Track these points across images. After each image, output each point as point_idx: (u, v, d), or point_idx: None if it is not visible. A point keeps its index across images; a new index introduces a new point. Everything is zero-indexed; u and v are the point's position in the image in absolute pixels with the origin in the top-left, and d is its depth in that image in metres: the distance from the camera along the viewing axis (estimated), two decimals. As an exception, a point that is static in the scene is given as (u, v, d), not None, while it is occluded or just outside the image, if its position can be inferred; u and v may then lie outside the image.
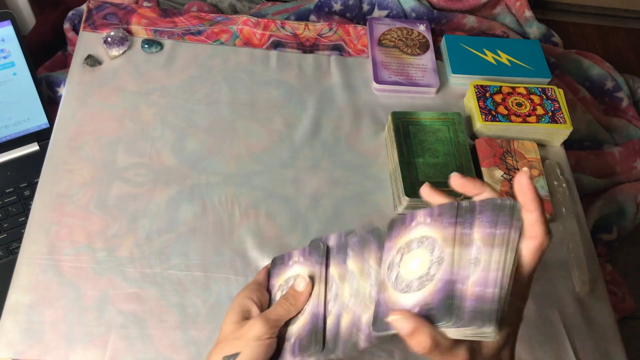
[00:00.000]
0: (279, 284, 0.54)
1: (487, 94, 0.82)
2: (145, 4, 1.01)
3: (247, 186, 0.75)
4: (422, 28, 0.92)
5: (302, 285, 0.51)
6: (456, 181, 0.44)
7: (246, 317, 0.50)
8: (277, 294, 0.53)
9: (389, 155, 0.79)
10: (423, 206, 0.72)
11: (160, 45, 0.86)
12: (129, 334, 0.63)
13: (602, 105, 1.29)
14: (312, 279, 0.51)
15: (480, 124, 0.79)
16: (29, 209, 0.71)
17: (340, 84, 0.86)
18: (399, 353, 0.65)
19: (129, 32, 0.87)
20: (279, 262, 0.55)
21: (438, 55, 0.92)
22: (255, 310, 0.51)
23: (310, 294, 0.51)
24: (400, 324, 0.38)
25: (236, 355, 0.48)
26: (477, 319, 0.36)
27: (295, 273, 0.53)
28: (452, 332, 0.37)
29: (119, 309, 0.64)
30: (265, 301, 0.53)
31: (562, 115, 0.81)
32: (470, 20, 1.28)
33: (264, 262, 0.68)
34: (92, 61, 0.82)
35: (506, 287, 0.37)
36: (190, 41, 0.88)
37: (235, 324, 0.50)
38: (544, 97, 0.82)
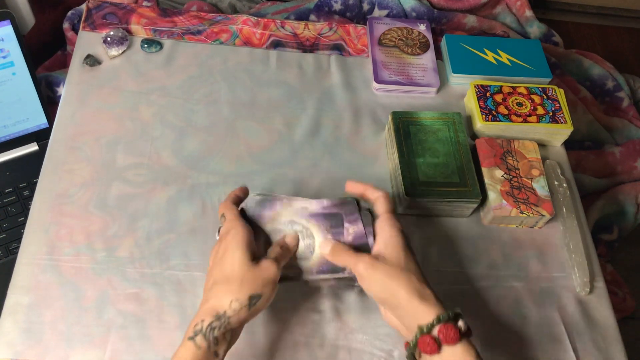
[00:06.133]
0: (288, 220, 0.60)
1: (488, 94, 0.82)
2: (144, 3, 1.00)
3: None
4: (422, 28, 0.92)
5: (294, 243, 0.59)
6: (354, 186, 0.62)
7: (255, 257, 0.55)
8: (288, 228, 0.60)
9: (389, 155, 0.79)
10: (424, 206, 0.72)
11: (160, 45, 0.86)
12: (129, 334, 0.63)
13: (602, 105, 1.29)
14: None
15: (480, 124, 0.79)
16: (28, 209, 0.71)
17: (340, 84, 0.86)
18: (398, 353, 0.65)
19: (129, 31, 0.87)
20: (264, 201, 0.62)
21: (438, 55, 0.91)
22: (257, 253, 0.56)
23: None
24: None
25: (259, 296, 0.53)
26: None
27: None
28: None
29: (119, 309, 0.64)
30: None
31: (562, 115, 0.80)
32: (471, 20, 1.28)
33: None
34: (92, 61, 0.82)
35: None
36: (190, 41, 0.88)
37: (250, 265, 0.54)
38: (545, 97, 0.82)
